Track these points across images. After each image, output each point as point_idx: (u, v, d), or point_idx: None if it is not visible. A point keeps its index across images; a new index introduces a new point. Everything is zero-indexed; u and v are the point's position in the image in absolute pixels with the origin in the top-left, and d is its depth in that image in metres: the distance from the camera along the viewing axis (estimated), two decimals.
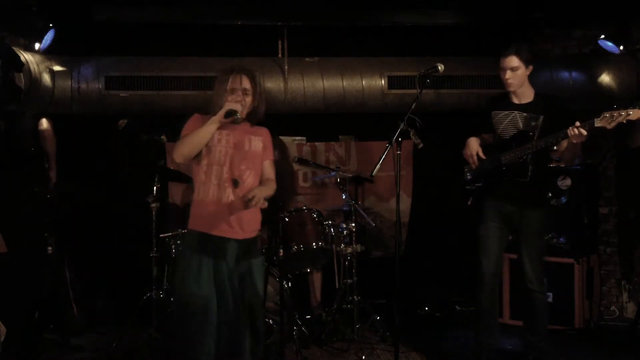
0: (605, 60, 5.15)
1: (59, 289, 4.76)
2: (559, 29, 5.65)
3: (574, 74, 5.22)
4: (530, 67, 3.82)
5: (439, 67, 3.61)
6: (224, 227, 3.21)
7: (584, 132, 3.48)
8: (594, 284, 5.13)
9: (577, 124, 3.51)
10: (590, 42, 5.46)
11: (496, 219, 3.94)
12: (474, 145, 3.97)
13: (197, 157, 3.24)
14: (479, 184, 4.01)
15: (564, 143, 3.74)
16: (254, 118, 3.37)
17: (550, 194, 5.10)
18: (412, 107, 3.54)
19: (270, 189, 3.32)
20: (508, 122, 3.89)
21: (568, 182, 5.06)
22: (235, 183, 3.22)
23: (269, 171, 3.42)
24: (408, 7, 5.12)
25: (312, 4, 5.00)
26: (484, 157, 3.94)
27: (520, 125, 3.84)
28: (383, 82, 5.28)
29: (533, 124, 3.80)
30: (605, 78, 5.10)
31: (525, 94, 3.88)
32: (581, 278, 4.94)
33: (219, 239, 3.20)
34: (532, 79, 4.84)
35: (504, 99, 3.96)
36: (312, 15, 5.17)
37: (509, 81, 3.82)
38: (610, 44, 5.07)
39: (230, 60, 5.25)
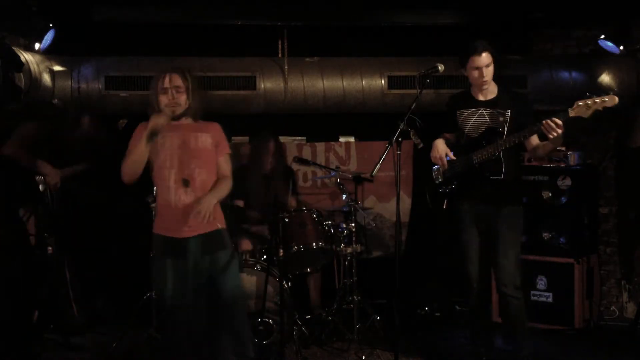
0: (605, 60, 5.16)
1: (59, 289, 4.76)
2: (559, 29, 5.65)
3: (574, 74, 5.22)
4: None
5: (439, 67, 3.61)
6: (180, 228, 3.25)
7: (559, 122, 3.40)
8: (594, 284, 5.13)
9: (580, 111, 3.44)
10: (590, 42, 5.46)
11: (475, 222, 3.87)
12: (441, 146, 3.85)
13: (149, 162, 3.30)
14: (452, 186, 3.92)
15: (534, 139, 3.69)
16: (193, 115, 3.37)
17: (550, 194, 5.11)
18: (412, 107, 3.54)
19: (223, 190, 3.33)
20: (475, 120, 3.81)
21: (568, 182, 5.06)
22: (185, 183, 3.24)
23: (224, 168, 3.41)
24: (408, 7, 5.11)
25: (312, 4, 4.99)
26: (453, 158, 3.85)
27: (488, 122, 3.76)
28: (383, 82, 5.27)
29: (501, 119, 3.72)
30: (605, 78, 5.10)
31: (489, 90, 3.81)
32: (581, 278, 4.93)
33: (177, 240, 3.25)
34: (532, 78, 4.82)
35: (467, 97, 3.87)
36: (312, 15, 5.17)
37: (485, 79, 3.74)
38: (610, 44, 5.08)
39: (230, 60, 5.27)
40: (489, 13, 5.21)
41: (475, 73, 3.76)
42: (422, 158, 5.64)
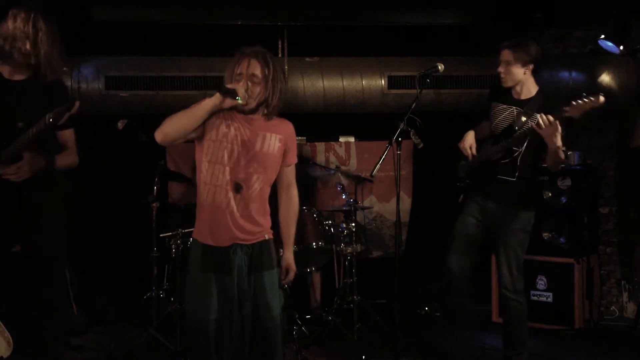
0: (605, 60, 5.15)
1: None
2: (559, 29, 5.65)
3: (574, 74, 5.22)
4: (530, 66, 3.70)
5: (439, 67, 3.61)
6: (226, 237, 2.77)
7: (551, 119, 3.35)
8: (594, 284, 5.13)
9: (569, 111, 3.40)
10: (590, 42, 5.46)
11: (476, 214, 3.84)
12: (470, 138, 3.85)
13: (200, 150, 2.82)
14: (468, 181, 3.91)
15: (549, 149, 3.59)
16: (267, 112, 2.83)
17: (550, 194, 5.10)
18: (412, 107, 3.54)
19: (295, 223, 3.01)
20: (503, 117, 3.79)
21: (568, 182, 5.06)
22: (237, 188, 2.76)
23: (289, 178, 2.96)
24: (408, 7, 5.12)
25: (312, 4, 5.00)
26: (475, 154, 3.84)
27: (514, 121, 3.73)
28: (383, 82, 5.28)
29: (524, 119, 3.67)
30: (605, 78, 5.10)
31: (525, 91, 3.76)
32: (581, 278, 4.93)
33: (222, 251, 2.77)
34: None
35: (505, 91, 3.83)
36: (312, 15, 5.17)
37: (501, 75, 3.73)
38: (610, 44, 5.07)
39: (230, 60, 5.24)
40: (489, 13, 5.22)
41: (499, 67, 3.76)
42: (422, 158, 5.70)
